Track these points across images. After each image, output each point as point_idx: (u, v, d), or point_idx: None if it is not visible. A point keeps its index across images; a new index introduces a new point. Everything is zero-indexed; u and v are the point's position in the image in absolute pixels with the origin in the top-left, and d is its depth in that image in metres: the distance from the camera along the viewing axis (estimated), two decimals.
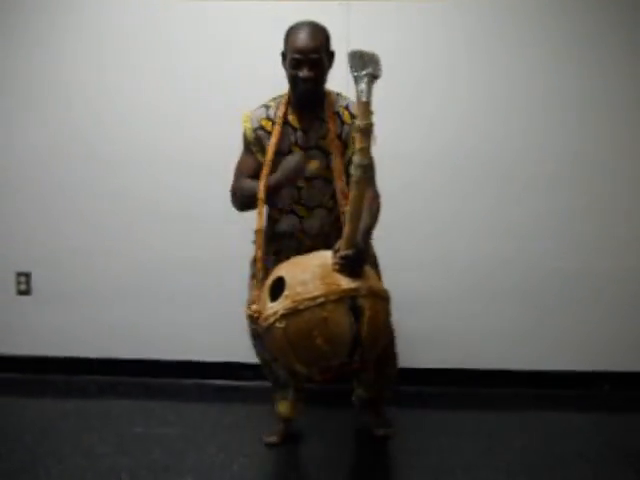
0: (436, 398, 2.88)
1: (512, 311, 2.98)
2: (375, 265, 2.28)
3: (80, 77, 2.98)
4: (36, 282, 3.10)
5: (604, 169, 2.93)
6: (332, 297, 1.81)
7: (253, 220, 2.98)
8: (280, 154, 2.15)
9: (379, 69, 1.86)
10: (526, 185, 2.94)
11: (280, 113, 2.16)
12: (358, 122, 1.85)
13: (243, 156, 2.25)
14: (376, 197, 2.15)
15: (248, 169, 2.21)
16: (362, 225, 1.98)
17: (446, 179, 2.97)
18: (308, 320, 1.81)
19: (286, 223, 2.26)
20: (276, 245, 2.25)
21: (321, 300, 1.80)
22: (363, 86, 1.83)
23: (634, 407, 2.82)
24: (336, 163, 2.11)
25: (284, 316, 1.84)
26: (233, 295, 3.02)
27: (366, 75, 1.83)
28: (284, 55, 2.13)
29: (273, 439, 2.40)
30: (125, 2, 2.95)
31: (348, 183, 1.97)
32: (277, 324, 1.86)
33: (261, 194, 2.11)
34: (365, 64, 1.84)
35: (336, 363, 1.87)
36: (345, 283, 1.85)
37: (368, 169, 1.88)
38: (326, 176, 2.16)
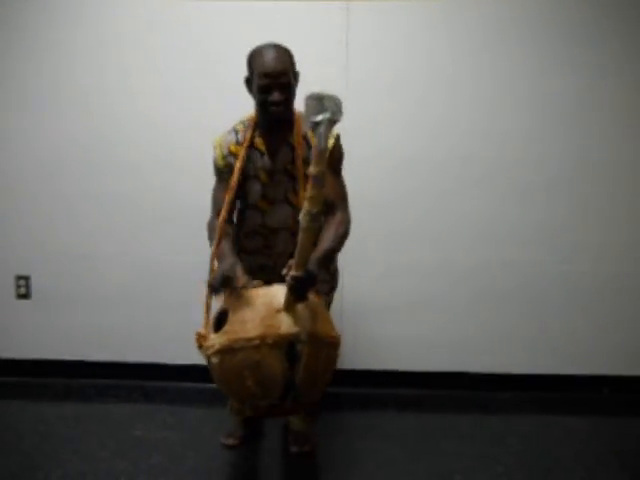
0: (435, 402, 2.89)
1: (511, 315, 2.98)
2: (330, 289, 2.27)
3: (79, 81, 2.98)
4: (35, 285, 3.10)
5: (605, 174, 2.93)
6: (268, 340, 1.78)
7: None
8: (247, 178, 2.15)
9: (339, 113, 1.76)
10: (527, 190, 2.94)
11: (247, 136, 2.14)
12: (311, 169, 1.76)
13: (216, 185, 2.24)
14: (344, 222, 2.08)
15: (221, 201, 2.19)
16: (321, 249, 1.95)
17: (445, 185, 2.97)
18: (241, 360, 1.80)
19: (252, 244, 2.24)
20: (245, 263, 2.16)
21: (256, 342, 1.78)
22: (320, 132, 1.73)
23: (632, 411, 2.83)
24: (302, 189, 2.06)
25: (219, 351, 1.84)
26: None
27: (323, 121, 1.73)
28: (248, 80, 2.10)
29: (231, 441, 2.42)
30: (125, 3, 2.95)
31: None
32: (213, 358, 1.87)
33: (218, 230, 2.12)
34: (323, 108, 1.74)
35: (266, 404, 1.87)
36: (285, 327, 1.81)
37: (317, 217, 1.80)
38: (292, 200, 2.15)
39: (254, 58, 2.07)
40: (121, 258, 3.05)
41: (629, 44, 2.88)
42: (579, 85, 2.89)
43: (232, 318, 1.86)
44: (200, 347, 1.94)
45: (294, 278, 1.81)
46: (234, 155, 2.16)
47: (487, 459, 2.33)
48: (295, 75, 2.09)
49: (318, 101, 1.75)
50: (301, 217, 1.80)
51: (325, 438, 2.49)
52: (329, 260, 2.05)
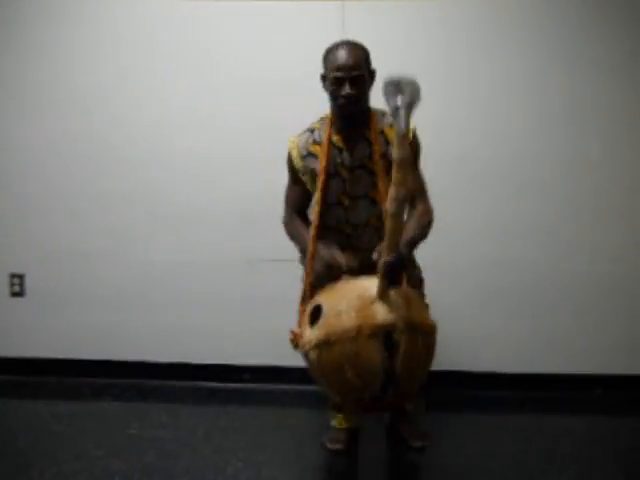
0: (428, 400, 2.89)
1: (506, 314, 2.99)
2: (420, 282, 2.26)
3: (77, 80, 2.98)
4: (30, 284, 3.09)
5: (600, 173, 2.94)
6: (365, 331, 1.76)
7: (252, 226, 3.01)
8: (328, 175, 2.13)
9: (417, 96, 1.77)
10: (522, 189, 2.95)
11: (325, 135, 2.12)
12: (394, 154, 1.78)
13: (291, 185, 2.24)
14: (427, 212, 2.12)
15: (296, 201, 2.22)
16: (408, 236, 1.96)
17: (441, 182, 2.96)
18: (339, 353, 1.78)
19: (336, 242, 2.19)
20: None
21: (353, 334, 1.76)
22: (400, 117, 1.73)
23: (626, 410, 2.84)
24: (381, 184, 2.06)
25: (317, 346, 1.83)
26: (228, 298, 3.04)
27: (402, 104, 1.74)
28: (324, 77, 2.11)
29: (337, 446, 2.28)
30: (123, 2, 2.95)
31: None
32: (311, 353, 1.86)
33: (312, 230, 2.12)
34: (402, 92, 1.74)
35: (367, 397, 1.84)
36: (381, 317, 1.78)
37: (403, 202, 1.82)
38: (372, 196, 2.13)
39: (328, 54, 2.10)
40: (116, 257, 3.05)
41: (625, 42, 2.89)
42: (574, 84, 2.90)
43: (327, 312, 1.84)
44: (296, 347, 1.96)
45: (386, 262, 1.81)
46: (314, 155, 2.14)
47: (481, 458, 2.33)
48: (370, 72, 2.10)
49: (396, 85, 1.76)
50: (388, 204, 1.80)
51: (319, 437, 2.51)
52: (415, 247, 2.07)
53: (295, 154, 2.17)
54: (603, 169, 2.94)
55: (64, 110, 3.00)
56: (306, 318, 1.94)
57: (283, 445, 2.43)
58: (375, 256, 1.88)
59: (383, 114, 2.14)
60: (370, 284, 1.85)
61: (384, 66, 2.90)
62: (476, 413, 2.79)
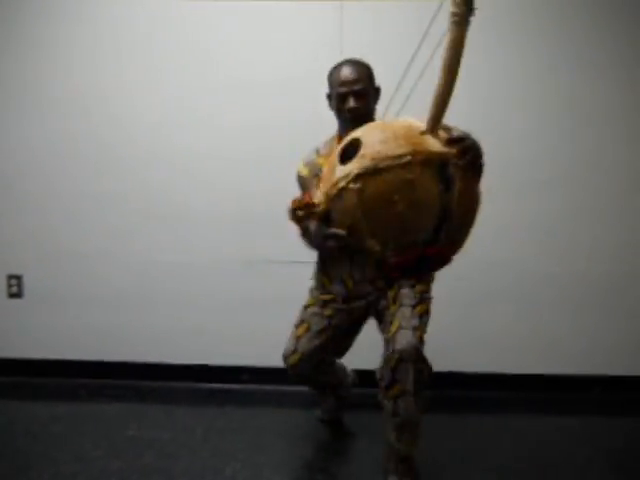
0: (429, 402, 2.89)
1: (504, 315, 3.00)
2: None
3: (76, 79, 2.98)
4: (27, 285, 3.09)
5: (599, 174, 2.95)
6: (419, 157, 1.53)
7: (251, 227, 3.01)
8: None
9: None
10: (520, 190, 2.95)
11: (330, 147, 2.13)
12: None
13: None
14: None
15: None
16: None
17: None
18: (390, 182, 1.53)
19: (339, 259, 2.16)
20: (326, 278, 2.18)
21: (407, 159, 1.52)
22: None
23: (623, 411, 2.85)
24: None
25: (360, 176, 1.55)
26: (227, 299, 3.04)
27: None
28: (329, 96, 2.15)
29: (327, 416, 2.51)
30: (123, 2, 2.95)
31: None
32: (351, 185, 1.57)
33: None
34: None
35: (417, 239, 1.59)
36: (435, 146, 1.57)
37: (465, 18, 1.66)
38: None
39: (333, 72, 2.13)
40: (114, 257, 3.04)
41: (625, 43, 2.90)
42: (573, 85, 2.91)
43: (369, 141, 1.60)
44: (297, 217, 1.69)
45: (459, 139, 1.61)
46: (320, 167, 2.12)
47: (478, 458, 2.34)
48: (375, 89, 2.14)
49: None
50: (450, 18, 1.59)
51: (321, 437, 2.51)
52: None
53: (305, 174, 2.18)
54: (602, 169, 2.95)
55: (63, 110, 2.99)
56: (336, 157, 1.68)
57: (282, 446, 2.43)
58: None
59: None
60: (415, 120, 1.66)
61: (382, 66, 2.93)
62: (475, 414, 2.80)
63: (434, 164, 1.56)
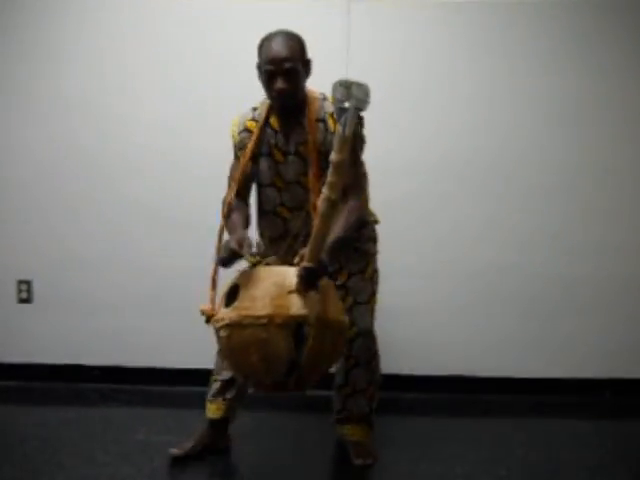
0: (436, 405, 2.88)
1: (512, 318, 2.99)
2: (371, 280, 2.28)
3: (82, 84, 3.00)
4: (37, 290, 3.10)
5: (605, 176, 2.94)
6: (277, 320, 1.80)
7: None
8: (261, 155, 2.16)
9: (365, 102, 1.80)
10: (526, 193, 2.95)
11: (263, 114, 2.15)
12: (332, 156, 1.80)
13: (233, 162, 2.26)
14: (356, 208, 2.05)
15: (237, 178, 2.19)
16: (333, 238, 1.92)
17: (446, 187, 2.97)
18: (249, 336, 1.83)
19: (271, 225, 2.25)
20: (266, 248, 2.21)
21: (264, 321, 1.80)
22: (344, 119, 1.77)
23: (634, 414, 2.82)
24: (312, 172, 2.08)
25: (228, 326, 1.86)
26: None
27: (349, 108, 1.77)
28: (259, 67, 2.08)
29: (175, 451, 2.30)
30: (126, 6, 2.96)
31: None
32: (222, 331, 1.89)
33: (224, 207, 2.17)
34: (350, 95, 1.77)
35: (270, 381, 1.89)
36: (295, 309, 1.81)
37: (335, 205, 1.83)
38: (304, 183, 2.14)
39: (262, 45, 2.07)
40: (123, 263, 3.05)
41: (630, 44, 2.90)
42: (579, 87, 2.91)
43: (243, 294, 1.87)
44: (208, 321, 1.96)
45: (305, 269, 1.83)
46: (249, 131, 2.17)
47: (489, 463, 2.32)
48: (305, 62, 2.08)
49: (346, 88, 1.78)
50: (320, 202, 1.83)
51: (326, 445, 2.50)
52: (340, 249, 2.03)
53: (234, 129, 2.21)
54: (610, 172, 2.94)
55: (69, 114, 3.00)
56: (223, 295, 1.96)
57: (292, 450, 2.43)
58: (297, 260, 1.89)
59: (325, 98, 2.13)
60: (291, 273, 1.86)
61: (389, 65, 2.94)
62: (483, 418, 2.78)
63: (290, 326, 1.81)
